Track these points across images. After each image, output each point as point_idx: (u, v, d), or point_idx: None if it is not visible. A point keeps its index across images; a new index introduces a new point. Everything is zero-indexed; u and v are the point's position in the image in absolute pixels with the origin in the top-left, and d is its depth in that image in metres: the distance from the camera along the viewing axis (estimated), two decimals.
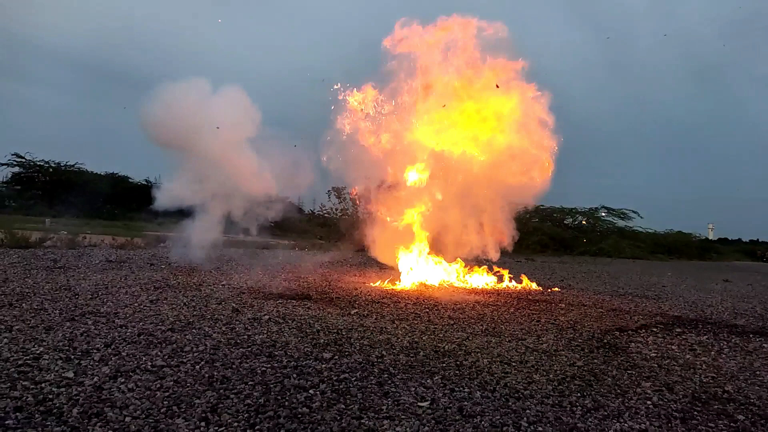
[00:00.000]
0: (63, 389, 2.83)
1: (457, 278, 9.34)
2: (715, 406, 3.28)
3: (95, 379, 3.02)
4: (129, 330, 4.19)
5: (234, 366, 3.43)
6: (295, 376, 3.31)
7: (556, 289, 9.44)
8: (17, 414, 2.50)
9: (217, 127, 8.69)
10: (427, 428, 2.65)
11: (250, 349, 3.87)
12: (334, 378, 3.32)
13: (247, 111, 9.28)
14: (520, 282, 9.54)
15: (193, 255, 9.73)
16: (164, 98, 8.80)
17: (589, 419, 2.91)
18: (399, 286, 8.24)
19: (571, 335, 5.13)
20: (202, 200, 9.21)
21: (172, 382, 3.04)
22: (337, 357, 3.80)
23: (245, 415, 2.65)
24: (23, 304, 4.94)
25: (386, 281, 8.48)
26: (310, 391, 3.05)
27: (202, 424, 2.53)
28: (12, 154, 35.29)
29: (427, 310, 6.07)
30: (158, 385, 2.98)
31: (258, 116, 9.37)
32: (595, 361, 4.19)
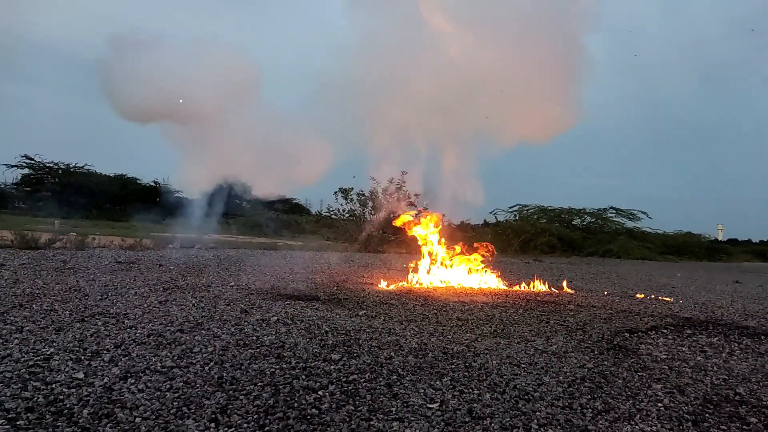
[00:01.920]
0: (74, 390, 2.85)
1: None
2: (727, 409, 3.25)
3: (105, 379, 3.03)
4: (138, 331, 4.21)
5: (243, 367, 3.43)
6: (304, 377, 3.31)
7: (567, 289, 9.40)
8: (28, 414, 2.52)
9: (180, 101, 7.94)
10: (436, 430, 2.64)
11: (258, 350, 3.87)
12: (343, 379, 3.32)
13: (243, 70, 8.63)
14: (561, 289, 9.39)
15: (200, 254, 9.71)
16: (130, 59, 8.03)
17: (600, 421, 2.89)
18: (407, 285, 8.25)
19: (581, 337, 5.10)
20: (203, 182, 8.79)
21: (181, 383, 3.05)
22: (345, 358, 3.79)
23: (255, 417, 2.65)
24: (33, 305, 4.97)
25: (391, 284, 8.48)
26: (319, 393, 3.05)
27: (212, 425, 2.53)
28: (22, 156, 35.72)
29: (435, 311, 6.06)
30: (168, 386, 2.99)
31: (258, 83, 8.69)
32: (605, 362, 4.16)
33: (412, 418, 2.75)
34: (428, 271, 9.30)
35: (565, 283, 9.58)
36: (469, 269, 9.50)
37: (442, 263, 9.52)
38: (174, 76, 8.03)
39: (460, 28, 9.01)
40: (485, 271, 9.56)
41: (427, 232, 9.68)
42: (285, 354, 3.80)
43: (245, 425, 2.55)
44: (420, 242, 9.75)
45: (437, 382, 3.36)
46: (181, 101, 8.42)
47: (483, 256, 9.65)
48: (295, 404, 2.85)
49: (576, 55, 9.06)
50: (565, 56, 9.12)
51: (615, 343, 4.93)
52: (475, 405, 3.00)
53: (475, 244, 9.81)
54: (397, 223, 9.66)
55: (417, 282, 8.94)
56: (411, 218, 9.58)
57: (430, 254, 9.60)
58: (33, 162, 36.12)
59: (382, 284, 8.43)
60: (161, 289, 6.43)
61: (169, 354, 3.61)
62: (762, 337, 5.61)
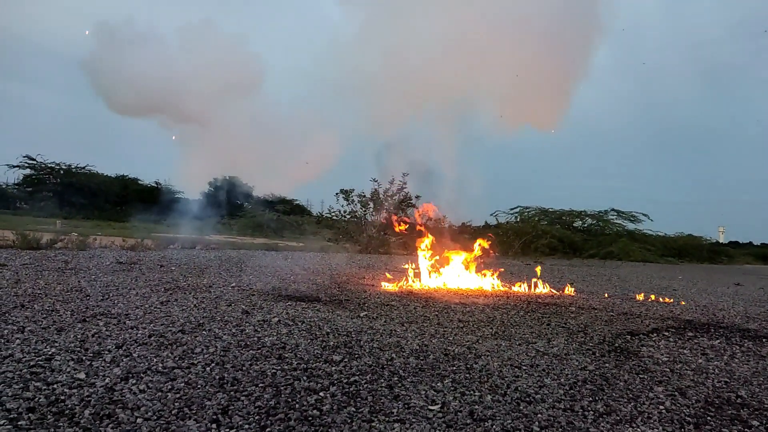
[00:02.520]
0: (75, 390, 2.85)
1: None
2: (729, 412, 3.24)
3: (107, 380, 3.03)
4: (140, 331, 4.21)
5: (244, 368, 3.43)
6: (305, 378, 3.31)
7: (569, 289, 9.38)
8: (30, 415, 2.52)
9: None
10: None
11: (260, 351, 3.87)
12: (344, 381, 3.32)
13: (242, 60, 8.32)
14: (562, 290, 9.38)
15: (201, 255, 9.69)
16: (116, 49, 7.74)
17: (602, 424, 2.89)
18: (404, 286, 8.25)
19: (582, 339, 5.10)
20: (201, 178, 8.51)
21: (183, 384, 3.05)
22: (347, 359, 3.79)
23: (256, 417, 2.65)
24: (35, 306, 4.97)
25: (393, 284, 8.48)
26: (321, 394, 3.05)
27: (213, 426, 2.53)
28: (24, 156, 35.77)
29: (437, 312, 6.06)
30: (169, 387, 2.99)
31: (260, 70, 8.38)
32: (607, 365, 4.16)
33: (414, 420, 2.75)
34: (429, 272, 9.30)
35: (569, 288, 9.57)
36: (468, 264, 9.49)
37: (441, 264, 9.51)
38: (168, 67, 7.88)
39: (461, 24, 9.02)
40: (486, 273, 9.55)
41: (425, 230, 9.68)
42: (286, 355, 3.80)
43: (246, 426, 2.55)
44: (420, 241, 9.74)
45: (438, 384, 3.36)
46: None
47: (483, 252, 9.64)
48: (297, 405, 2.85)
49: (578, 55, 9.07)
50: (567, 56, 9.11)
51: (616, 345, 4.92)
52: (476, 407, 3.00)
53: (475, 242, 9.81)
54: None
55: (416, 280, 8.94)
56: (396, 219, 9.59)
57: (430, 255, 9.59)
58: (34, 162, 36.17)
59: (384, 285, 8.43)
60: (162, 289, 6.43)
61: (170, 355, 3.61)
62: (763, 340, 5.60)
